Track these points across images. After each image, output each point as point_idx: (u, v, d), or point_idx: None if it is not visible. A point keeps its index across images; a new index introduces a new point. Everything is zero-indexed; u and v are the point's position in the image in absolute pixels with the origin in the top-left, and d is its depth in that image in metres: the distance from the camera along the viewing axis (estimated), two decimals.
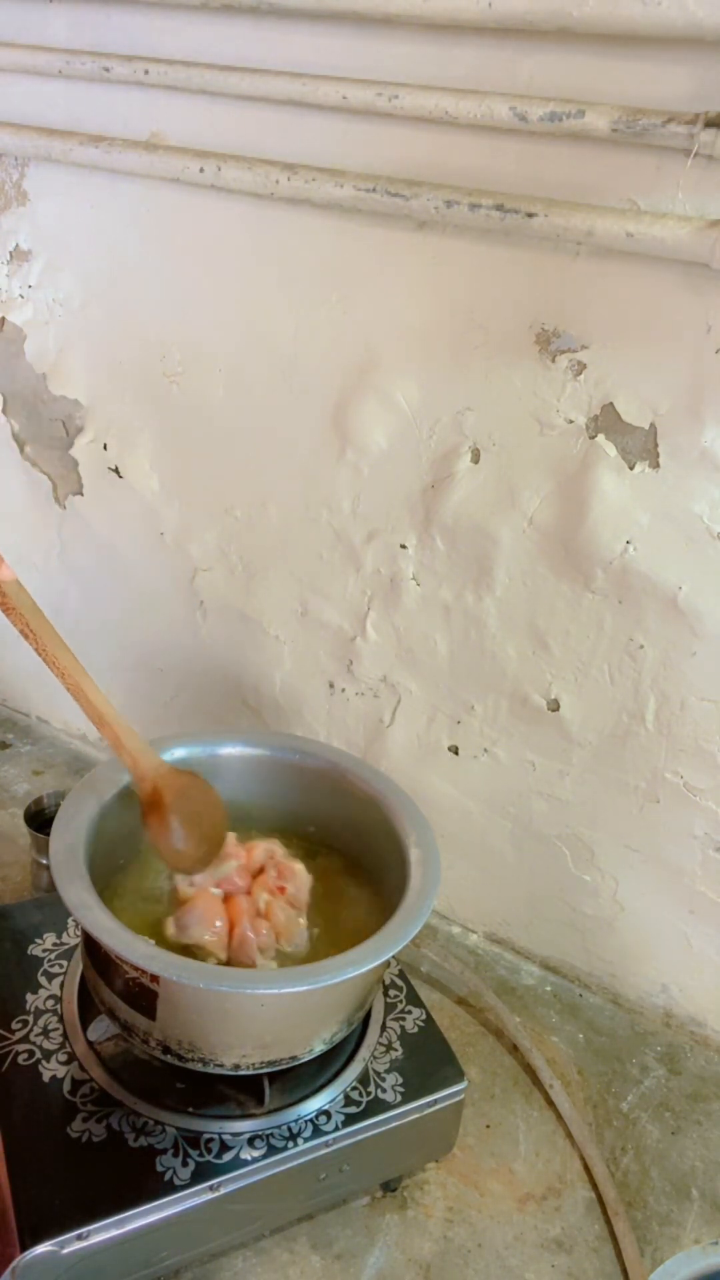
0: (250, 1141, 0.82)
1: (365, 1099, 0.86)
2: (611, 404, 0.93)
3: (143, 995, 0.76)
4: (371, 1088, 0.87)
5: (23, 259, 1.24)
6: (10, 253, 1.25)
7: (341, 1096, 0.86)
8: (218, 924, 0.82)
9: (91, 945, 0.81)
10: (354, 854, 0.96)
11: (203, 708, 1.37)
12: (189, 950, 0.81)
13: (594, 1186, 0.97)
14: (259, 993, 0.73)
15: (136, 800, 0.86)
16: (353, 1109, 0.85)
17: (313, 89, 0.95)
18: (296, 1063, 0.81)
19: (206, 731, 0.98)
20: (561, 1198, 0.96)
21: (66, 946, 0.96)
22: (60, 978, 0.93)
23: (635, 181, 0.85)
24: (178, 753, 0.92)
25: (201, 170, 1.03)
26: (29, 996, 0.90)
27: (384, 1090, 0.87)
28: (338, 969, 0.74)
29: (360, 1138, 0.85)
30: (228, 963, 0.81)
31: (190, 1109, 0.83)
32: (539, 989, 1.20)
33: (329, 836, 0.97)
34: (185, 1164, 0.79)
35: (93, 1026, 0.86)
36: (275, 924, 0.83)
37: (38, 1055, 0.85)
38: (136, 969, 0.73)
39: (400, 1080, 0.88)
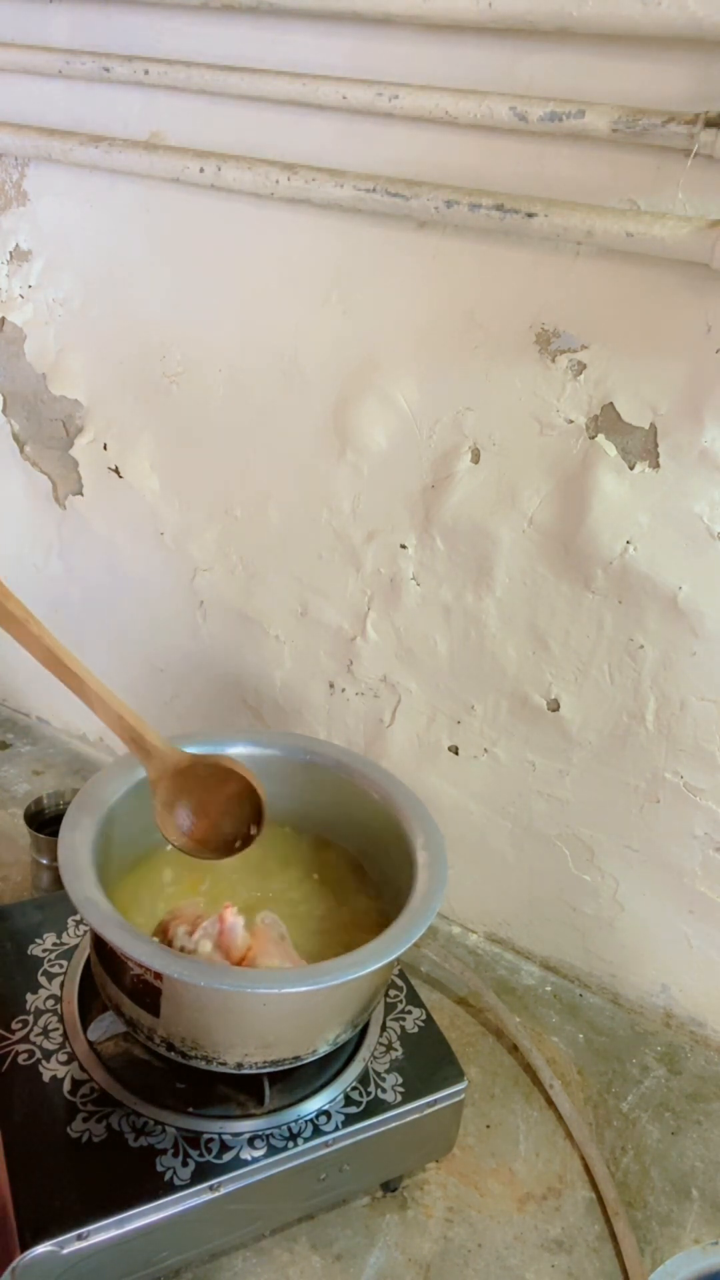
0: (250, 1141, 0.82)
1: (365, 1099, 0.86)
2: (611, 404, 0.93)
3: (147, 992, 0.76)
4: (371, 1088, 0.87)
5: (23, 259, 1.24)
6: (10, 253, 1.25)
7: (341, 1097, 0.86)
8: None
9: (100, 942, 0.81)
10: (361, 855, 0.96)
11: (203, 708, 1.37)
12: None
13: (594, 1186, 0.97)
14: (260, 992, 0.73)
15: (145, 799, 0.86)
16: (353, 1109, 0.85)
17: (313, 89, 0.95)
18: (300, 1063, 0.81)
19: (216, 731, 0.98)
20: (561, 1198, 0.96)
21: (66, 946, 0.96)
22: (60, 978, 0.93)
23: (635, 181, 0.85)
24: (187, 752, 0.92)
25: (201, 170, 1.03)
26: (29, 996, 0.90)
27: (384, 1090, 0.87)
28: (340, 970, 0.74)
29: (360, 1138, 0.85)
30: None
31: (190, 1109, 0.82)
32: (539, 989, 1.20)
33: (337, 837, 0.97)
34: (185, 1164, 0.79)
35: (93, 1026, 0.86)
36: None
37: (38, 1055, 0.85)
38: (140, 966, 0.74)
39: (400, 1080, 0.88)
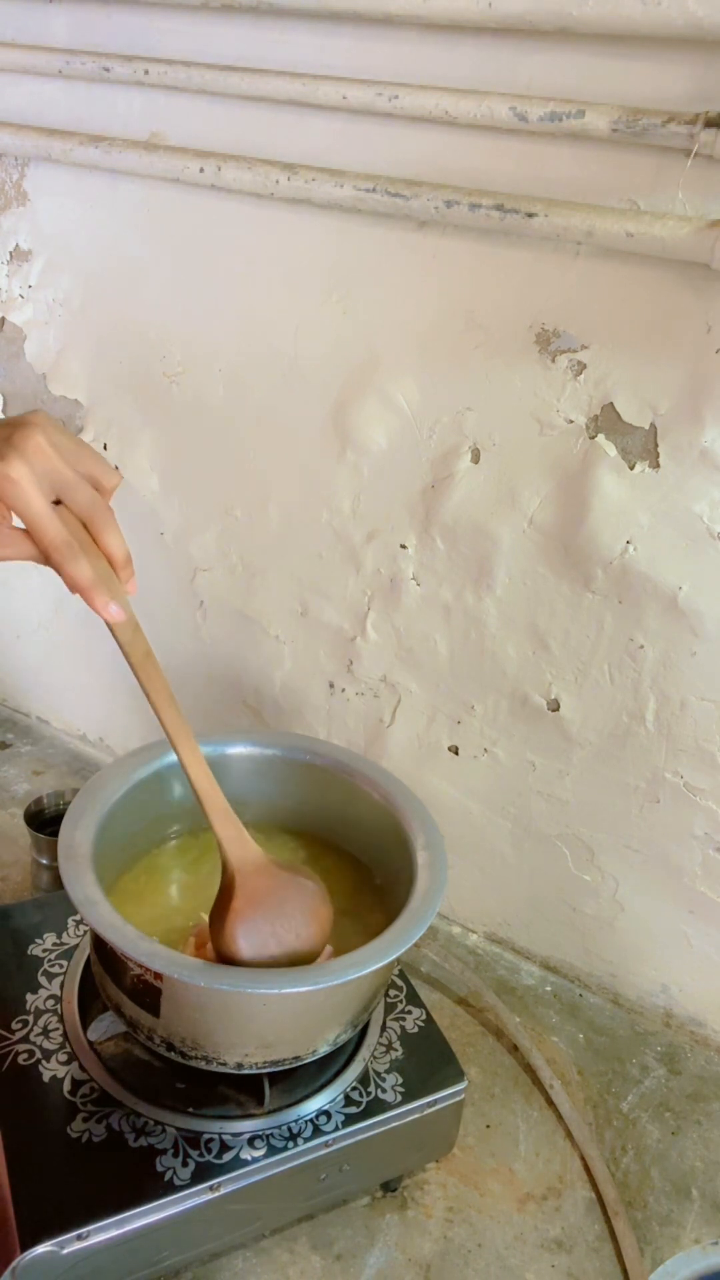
0: (250, 1141, 0.82)
1: (365, 1099, 0.86)
2: (611, 404, 0.93)
3: (147, 992, 0.76)
4: (371, 1088, 0.87)
5: (23, 259, 1.24)
6: (10, 253, 1.25)
7: (341, 1097, 0.86)
8: None
9: (100, 942, 0.81)
10: (361, 855, 0.96)
11: (203, 708, 1.37)
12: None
13: (594, 1186, 0.97)
14: (260, 992, 0.72)
15: (145, 799, 0.86)
16: (353, 1109, 0.85)
17: (313, 89, 0.95)
18: (300, 1063, 0.81)
19: (216, 731, 0.98)
20: (561, 1198, 0.96)
21: (66, 946, 0.96)
22: (60, 978, 0.93)
23: (635, 181, 0.85)
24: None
25: (201, 170, 1.03)
26: (29, 996, 0.90)
27: (384, 1090, 0.87)
28: (340, 970, 0.74)
29: (360, 1138, 0.85)
30: None
31: (190, 1109, 0.82)
32: (539, 989, 1.20)
33: (336, 837, 0.97)
34: (185, 1164, 0.79)
35: (93, 1026, 0.86)
36: None
37: (38, 1055, 0.85)
38: (140, 966, 0.74)
39: (400, 1080, 0.88)
